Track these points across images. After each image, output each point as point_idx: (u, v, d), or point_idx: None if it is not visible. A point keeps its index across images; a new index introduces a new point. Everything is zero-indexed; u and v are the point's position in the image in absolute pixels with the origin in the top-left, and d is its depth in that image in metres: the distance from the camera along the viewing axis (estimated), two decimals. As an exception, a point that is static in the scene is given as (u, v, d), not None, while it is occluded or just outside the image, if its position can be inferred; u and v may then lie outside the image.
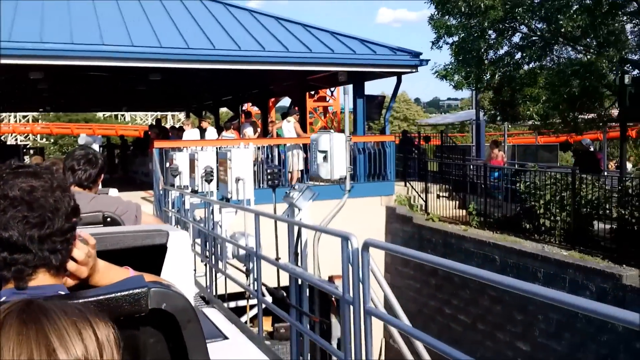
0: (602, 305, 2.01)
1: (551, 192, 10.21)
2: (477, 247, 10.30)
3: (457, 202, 13.24)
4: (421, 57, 13.24)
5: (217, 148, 9.77)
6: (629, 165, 24.11)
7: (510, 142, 24.84)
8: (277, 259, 5.42)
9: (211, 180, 7.72)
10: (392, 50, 13.39)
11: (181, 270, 1.89)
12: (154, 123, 23.21)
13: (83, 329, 0.90)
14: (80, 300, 1.15)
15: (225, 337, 2.16)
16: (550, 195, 10.18)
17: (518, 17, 12.27)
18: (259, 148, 12.02)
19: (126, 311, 1.23)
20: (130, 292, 1.24)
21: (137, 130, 39.04)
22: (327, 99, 21.78)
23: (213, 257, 7.16)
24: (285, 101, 23.42)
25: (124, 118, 51.33)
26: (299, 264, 5.19)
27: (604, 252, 9.05)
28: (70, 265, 1.29)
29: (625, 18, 12.06)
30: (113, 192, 4.58)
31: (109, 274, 1.41)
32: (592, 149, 15.87)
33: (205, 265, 7.88)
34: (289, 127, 12.75)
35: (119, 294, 1.23)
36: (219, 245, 7.06)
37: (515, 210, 11.24)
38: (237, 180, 6.63)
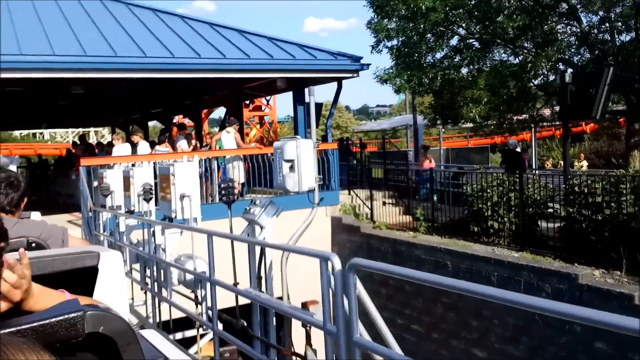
0: (596, 312, 1.78)
1: (497, 193, 10.21)
2: (428, 253, 10.12)
3: (402, 209, 13.12)
4: (362, 61, 13.02)
5: (153, 163, 9.06)
6: (548, 164, 25.22)
7: (443, 146, 25.25)
8: (236, 284, 4.88)
9: (151, 198, 7.04)
10: (333, 55, 13.09)
11: (114, 293, 1.85)
12: (76, 140, 21.83)
13: (31, 354, 0.89)
14: (14, 329, 1.13)
15: (167, 358, 1.86)
16: (497, 197, 10.17)
17: (457, 20, 12.34)
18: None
19: (62, 337, 1.20)
20: (66, 317, 1.21)
21: (58, 148, 36.90)
22: (263, 108, 21.27)
23: (155, 283, 6.50)
24: (219, 112, 22.72)
25: (43, 136, 48.45)
26: (263, 289, 4.69)
27: (553, 251, 9.09)
28: (3, 287, 1.25)
29: (556, 19, 12.40)
30: (35, 215, 4.30)
31: (44, 298, 1.37)
32: (518, 149, 16.35)
33: (145, 293, 7.19)
34: (229, 138, 12.16)
35: (54, 319, 1.19)
36: (162, 271, 6.41)
37: (462, 213, 11.19)
38: (182, 197, 6.02)
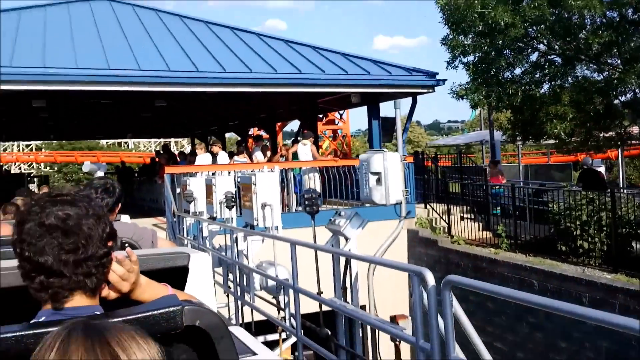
0: None
1: (587, 212, 9.66)
2: (511, 271, 9.69)
3: (481, 224, 12.68)
4: (437, 77, 12.81)
5: (234, 172, 9.23)
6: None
7: (522, 162, 24.35)
8: (320, 293, 4.81)
9: (233, 206, 7.15)
10: (408, 70, 12.97)
11: (203, 292, 1.91)
12: (159, 149, 22.76)
13: (141, 341, 1.00)
14: (121, 319, 1.20)
15: (254, 353, 1.88)
16: (587, 216, 9.63)
17: (538, 35, 11.92)
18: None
19: (163, 328, 1.26)
20: (166, 310, 1.28)
21: (142, 157, 38.67)
22: (336, 122, 21.33)
23: (238, 287, 6.56)
24: (293, 125, 23.02)
25: (127, 145, 50.93)
26: (349, 299, 4.60)
27: (650, 274, 8.45)
28: (112, 277, 1.37)
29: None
30: (125, 218, 4.51)
31: (150, 290, 1.48)
32: (601, 169, 15.46)
33: (228, 296, 7.29)
34: (306, 150, 12.25)
35: (155, 312, 1.27)
36: (244, 275, 6.47)
37: (547, 231, 10.67)
38: (264, 205, 6.06)
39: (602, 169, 25.13)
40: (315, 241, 5.34)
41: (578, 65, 12.30)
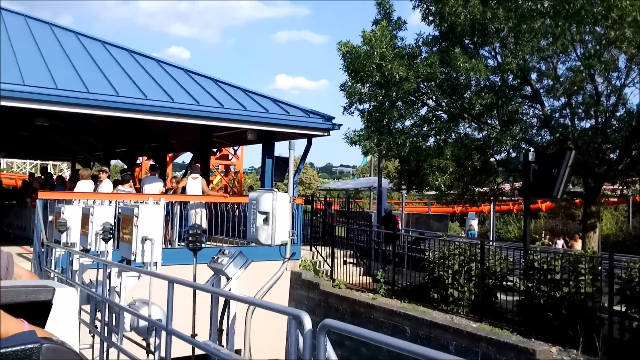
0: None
1: (459, 262, 10.29)
2: (386, 317, 10.00)
3: (363, 269, 13.06)
4: (333, 121, 13.23)
5: (115, 202, 8.79)
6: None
7: (405, 211, 25.57)
8: (194, 335, 4.66)
9: (110, 238, 6.78)
10: (305, 112, 13.26)
11: (66, 329, 1.80)
12: (32, 172, 21.16)
13: None
14: None
15: None
16: (458, 265, 10.25)
17: (428, 91, 12.77)
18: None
19: None
20: (22, 347, 1.22)
21: (14, 178, 35.74)
22: (230, 157, 21.21)
23: (106, 327, 6.16)
24: (184, 156, 22.52)
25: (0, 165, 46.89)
26: (224, 342, 4.48)
27: (511, 324, 9.13)
28: None
29: (520, 100, 12.98)
30: None
31: (5, 324, 1.36)
32: (392, 213, 18.69)
33: (93, 336, 6.80)
34: (196, 184, 12.00)
35: (9, 349, 1.20)
36: (114, 314, 6.09)
37: (423, 278, 11.20)
38: (144, 239, 5.81)
39: (475, 222, 27.08)
40: (195, 279, 5.20)
41: (461, 122, 13.28)
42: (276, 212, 4.79)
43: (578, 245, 16.13)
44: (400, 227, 17.86)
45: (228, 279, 4.83)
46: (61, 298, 1.81)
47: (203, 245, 5.26)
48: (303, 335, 2.90)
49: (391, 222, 16.32)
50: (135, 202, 6.99)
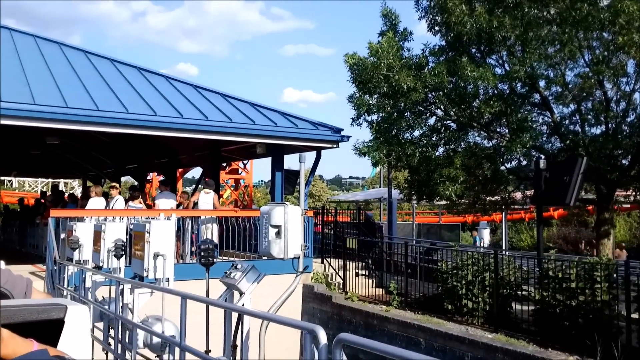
0: None
1: (472, 272, 10.19)
2: (400, 329, 9.91)
3: (375, 281, 12.97)
4: (342, 133, 13.23)
5: (127, 219, 8.82)
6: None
7: (416, 221, 25.45)
8: (208, 351, 4.63)
9: (122, 255, 6.79)
10: (314, 125, 13.28)
11: (79, 348, 1.79)
12: (44, 190, 21.32)
13: None
14: None
15: None
16: (472, 276, 10.15)
17: (436, 101, 12.74)
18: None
19: None
20: None
21: (26, 197, 36.01)
22: (240, 172, 21.25)
23: (119, 344, 6.15)
24: (194, 172, 22.59)
25: (11, 184, 47.28)
26: (238, 358, 4.45)
27: (527, 334, 9.00)
28: None
29: (529, 108, 12.92)
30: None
31: (13, 345, 1.36)
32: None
33: (107, 354, 6.79)
34: (207, 199, 12.02)
35: None
36: (127, 331, 6.08)
37: (436, 289, 11.10)
38: (156, 255, 5.81)
39: (487, 231, 26.90)
40: (207, 295, 5.18)
41: (470, 131, 13.23)
42: (288, 226, 4.76)
43: (624, 255, 16.08)
44: (379, 235, 17.10)
45: (241, 293, 4.80)
46: (74, 316, 1.79)
47: (215, 260, 5.23)
48: (318, 350, 2.86)
49: (370, 228, 16.31)
50: (146, 218, 7.00)
